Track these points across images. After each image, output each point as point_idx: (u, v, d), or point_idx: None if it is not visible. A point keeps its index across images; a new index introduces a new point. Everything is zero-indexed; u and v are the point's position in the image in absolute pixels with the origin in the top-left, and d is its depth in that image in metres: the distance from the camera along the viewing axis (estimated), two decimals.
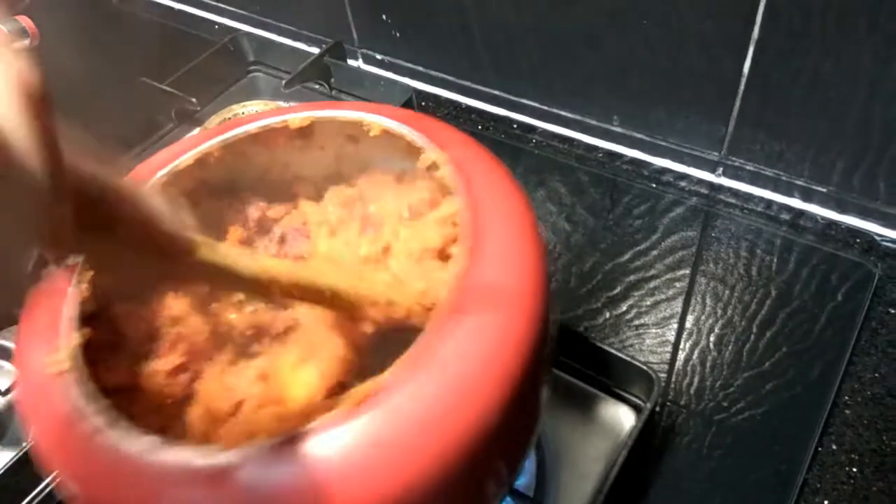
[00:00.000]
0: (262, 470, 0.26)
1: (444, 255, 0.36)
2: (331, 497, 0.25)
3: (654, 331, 0.54)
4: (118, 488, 0.27)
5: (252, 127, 0.40)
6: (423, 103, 0.76)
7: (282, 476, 0.26)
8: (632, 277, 0.58)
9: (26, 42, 0.67)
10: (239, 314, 0.41)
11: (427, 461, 0.26)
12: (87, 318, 0.32)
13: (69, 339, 0.31)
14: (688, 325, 0.54)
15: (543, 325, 0.31)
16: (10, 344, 0.56)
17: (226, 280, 0.29)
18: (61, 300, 0.32)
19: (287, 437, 0.26)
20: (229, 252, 0.28)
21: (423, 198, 0.39)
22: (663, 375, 0.51)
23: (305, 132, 0.41)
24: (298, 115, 0.40)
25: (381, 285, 0.35)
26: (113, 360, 0.33)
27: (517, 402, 0.29)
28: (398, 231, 0.38)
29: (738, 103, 0.58)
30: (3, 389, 0.53)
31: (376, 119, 0.39)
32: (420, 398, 0.27)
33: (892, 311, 0.53)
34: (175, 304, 0.37)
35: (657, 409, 0.47)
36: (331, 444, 0.26)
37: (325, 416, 0.27)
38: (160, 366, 0.35)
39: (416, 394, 0.27)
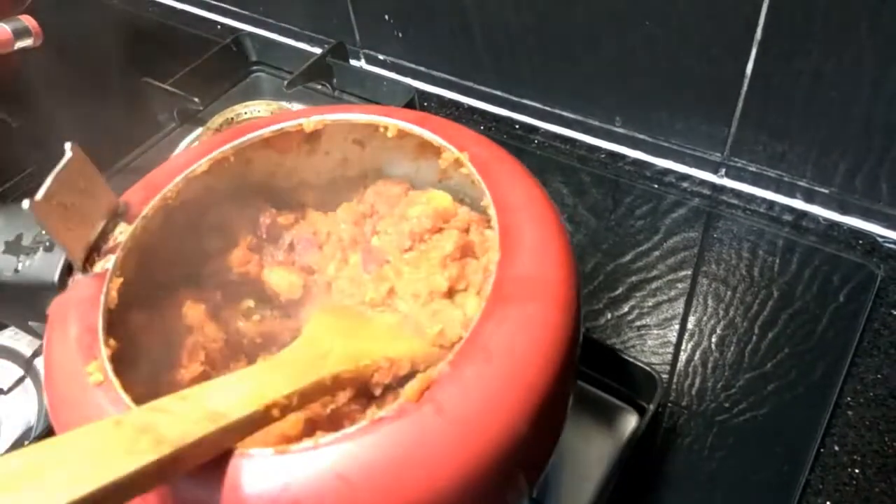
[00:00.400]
0: (302, 471, 0.26)
1: (451, 294, 0.37)
2: (368, 498, 0.25)
3: (655, 332, 0.54)
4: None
5: (266, 131, 0.40)
6: (425, 104, 0.76)
7: (321, 479, 0.25)
8: (633, 278, 0.58)
9: (29, 42, 0.67)
10: (247, 322, 0.41)
11: (467, 461, 0.26)
12: (107, 329, 0.32)
13: (107, 348, 0.30)
14: (689, 325, 0.54)
15: (577, 313, 0.32)
16: (9, 344, 0.56)
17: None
18: (92, 309, 0.32)
19: (330, 438, 0.26)
20: (222, 416, 0.26)
21: (425, 227, 0.39)
22: (665, 376, 0.51)
23: (313, 136, 0.41)
24: (312, 119, 0.40)
25: (384, 337, 0.35)
26: (133, 370, 0.33)
27: (552, 399, 0.29)
28: (401, 270, 0.39)
29: (740, 104, 0.58)
30: (3, 389, 0.53)
31: (392, 121, 0.39)
32: (468, 397, 0.27)
33: (895, 313, 0.53)
34: (191, 313, 0.37)
35: (659, 409, 0.47)
36: (376, 444, 0.26)
37: (377, 414, 0.27)
38: (183, 375, 0.35)
39: (463, 393, 0.27)
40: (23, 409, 0.53)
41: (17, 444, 0.51)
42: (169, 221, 0.38)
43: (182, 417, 0.25)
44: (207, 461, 0.26)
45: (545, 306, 0.30)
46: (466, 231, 0.39)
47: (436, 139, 0.38)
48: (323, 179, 0.44)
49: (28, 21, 0.67)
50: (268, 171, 0.43)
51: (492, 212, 0.34)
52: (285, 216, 0.43)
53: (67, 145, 0.32)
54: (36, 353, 0.55)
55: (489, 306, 0.30)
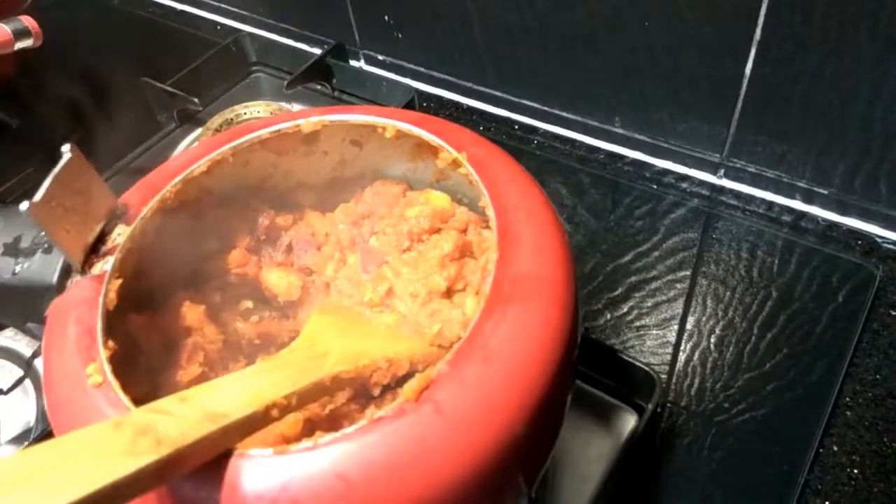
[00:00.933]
0: (301, 471, 0.26)
1: (449, 294, 0.37)
2: (368, 498, 0.25)
3: (654, 332, 0.54)
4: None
5: (264, 132, 0.40)
6: (424, 104, 0.76)
7: (320, 478, 0.26)
8: (633, 279, 0.58)
9: (29, 42, 0.67)
10: (245, 323, 0.41)
11: (466, 460, 0.26)
12: (106, 330, 0.32)
13: (106, 350, 0.30)
14: (688, 326, 0.54)
15: (576, 311, 0.32)
16: (9, 345, 0.56)
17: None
18: (91, 310, 0.32)
19: (329, 438, 0.26)
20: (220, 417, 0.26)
21: (423, 227, 0.39)
22: (664, 376, 0.51)
23: (310, 137, 0.41)
24: (310, 120, 0.40)
25: (382, 337, 0.35)
26: (131, 371, 0.33)
27: (552, 397, 0.29)
28: (399, 270, 0.39)
29: (739, 105, 0.58)
30: (3, 389, 0.53)
31: (389, 121, 0.39)
32: (467, 396, 0.27)
33: (894, 313, 0.53)
34: (190, 314, 0.37)
35: (658, 409, 0.47)
36: (376, 443, 0.26)
37: (376, 414, 0.27)
38: (182, 376, 0.35)
39: (462, 393, 0.27)
40: (22, 409, 0.53)
41: (17, 445, 0.51)
42: (167, 223, 0.38)
43: (182, 418, 0.25)
44: (207, 462, 0.26)
45: (544, 305, 0.30)
46: (464, 231, 0.39)
47: (434, 139, 0.38)
48: (321, 180, 0.44)
49: (28, 21, 0.67)
50: (265, 173, 0.43)
51: (490, 211, 0.34)
52: (283, 217, 0.43)
53: (65, 147, 0.32)
54: (36, 354, 0.55)
55: (488, 306, 0.30)
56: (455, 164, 0.37)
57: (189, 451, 0.24)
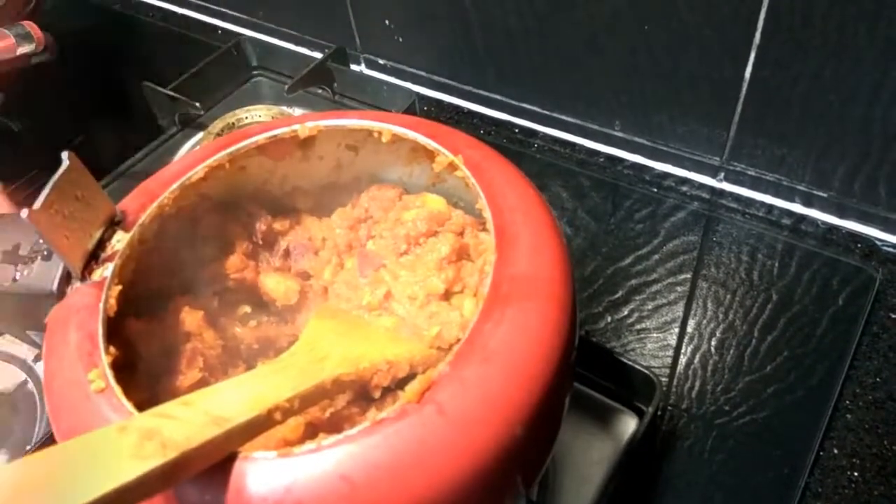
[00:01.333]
0: (305, 473, 0.26)
1: (447, 296, 0.37)
2: (371, 499, 0.26)
3: (655, 335, 0.54)
4: None
5: (260, 138, 0.40)
6: (425, 108, 0.76)
7: (324, 480, 0.26)
8: (633, 282, 0.58)
9: (31, 47, 0.67)
10: (244, 328, 0.41)
11: (468, 460, 0.27)
12: (106, 337, 0.32)
13: (107, 355, 0.30)
14: (689, 329, 0.54)
15: (574, 310, 0.32)
16: (11, 349, 0.57)
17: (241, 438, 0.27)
18: (92, 317, 0.32)
19: (332, 440, 0.26)
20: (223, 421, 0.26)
21: (420, 230, 0.39)
22: (665, 379, 0.51)
23: (306, 142, 0.41)
24: (306, 125, 0.40)
25: (382, 340, 0.36)
26: (132, 377, 0.33)
27: (551, 395, 0.29)
28: (397, 273, 0.39)
29: (739, 108, 0.58)
30: (5, 392, 0.54)
31: (385, 125, 0.39)
32: (468, 397, 0.27)
33: (894, 316, 0.53)
34: (189, 319, 0.37)
35: (658, 412, 0.47)
36: (379, 445, 0.26)
37: (378, 416, 0.27)
38: (181, 382, 0.35)
39: (463, 393, 0.27)
40: (25, 412, 0.53)
41: (20, 448, 0.51)
42: (165, 229, 0.38)
43: (186, 422, 0.25)
44: (211, 465, 0.26)
45: (542, 305, 0.31)
46: (461, 234, 0.39)
47: (429, 143, 0.38)
48: (317, 185, 0.45)
49: (30, 27, 0.67)
50: (262, 178, 0.43)
51: (487, 213, 0.34)
52: (280, 222, 0.43)
53: (64, 154, 0.32)
54: (38, 358, 0.55)
55: (487, 306, 0.30)
56: (451, 167, 0.37)
57: (194, 455, 0.24)
